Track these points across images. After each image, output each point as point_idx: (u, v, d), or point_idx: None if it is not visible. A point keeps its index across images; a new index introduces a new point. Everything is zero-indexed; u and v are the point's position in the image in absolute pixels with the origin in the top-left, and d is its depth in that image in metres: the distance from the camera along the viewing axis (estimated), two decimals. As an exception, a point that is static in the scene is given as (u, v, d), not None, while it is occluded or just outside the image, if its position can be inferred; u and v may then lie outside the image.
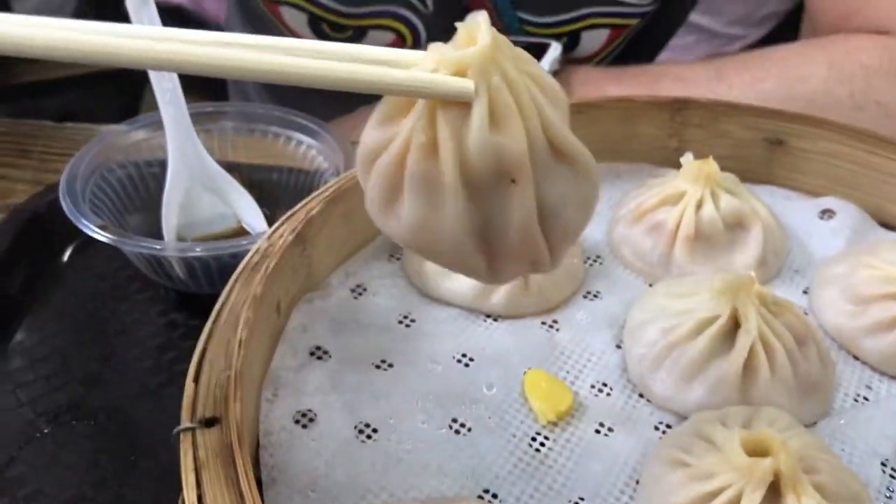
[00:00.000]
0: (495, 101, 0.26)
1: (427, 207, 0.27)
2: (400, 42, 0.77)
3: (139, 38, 0.25)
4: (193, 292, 0.54)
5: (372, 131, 0.28)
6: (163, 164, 0.58)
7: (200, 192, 0.57)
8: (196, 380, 0.35)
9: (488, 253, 0.28)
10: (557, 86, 0.28)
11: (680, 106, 0.52)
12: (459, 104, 0.26)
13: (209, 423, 0.33)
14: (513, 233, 0.28)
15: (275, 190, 0.60)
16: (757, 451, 0.33)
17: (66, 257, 0.59)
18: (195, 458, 0.31)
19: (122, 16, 1.42)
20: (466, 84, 0.26)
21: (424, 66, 0.26)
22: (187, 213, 0.57)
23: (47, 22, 0.25)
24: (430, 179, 0.27)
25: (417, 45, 0.77)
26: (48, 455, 0.46)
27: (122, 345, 0.52)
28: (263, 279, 0.38)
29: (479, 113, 0.26)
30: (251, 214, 0.57)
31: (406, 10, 0.75)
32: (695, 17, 0.94)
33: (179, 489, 0.43)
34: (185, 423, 0.33)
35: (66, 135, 0.72)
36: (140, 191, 0.58)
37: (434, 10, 0.75)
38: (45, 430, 0.47)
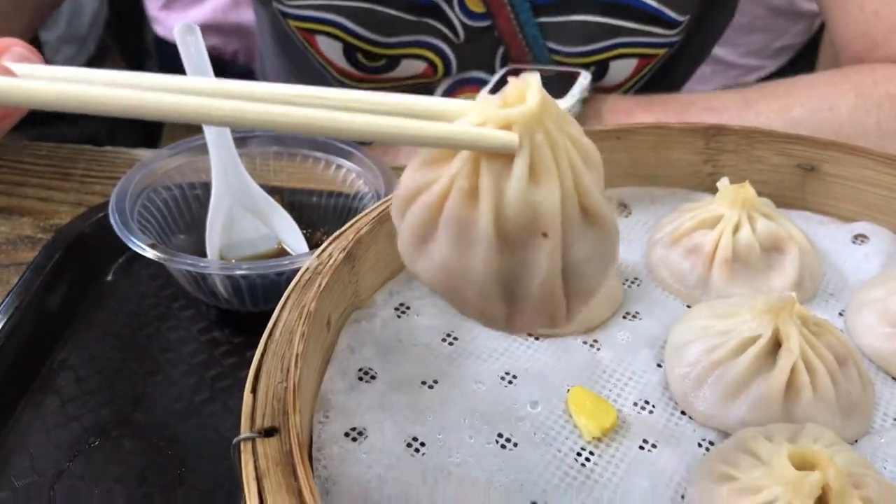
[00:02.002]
0: (536, 157, 0.27)
1: (458, 251, 0.28)
2: (431, 70, 0.79)
3: (186, 93, 0.26)
4: (235, 310, 0.55)
5: (414, 173, 0.30)
6: (206, 187, 0.59)
7: (243, 214, 0.59)
8: (254, 391, 0.36)
9: (510, 304, 0.30)
10: (594, 149, 0.29)
11: (714, 132, 0.53)
12: (503, 156, 0.27)
13: (268, 433, 0.34)
14: (536, 286, 0.29)
15: (314, 213, 0.62)
16: (804, 465, 0.34)
17: (109, 277, 0.60)
18: (256, 468, 0.32)
19: (143, 47, 1.44)
20: (512, 138, 0.27)
21: (472, 118, 0.28)
22: (230, 234, 0.58)
23: (93, 77, 0.27)
24: (466, 224, 0.28)
25: (448, 72, 0.79)
26: (97, 469, 0.47)
27: (166, 362, 0.53)
28: (317, 295, 0.39)
29: (520, 166, 0.27)
30: (292, 236, 0.59)
31: (438, 40, 0.76)
32: (712, 48, 0.96)
33: (230, 501, 0.44)
34: (245, 432, 0.34)
35: (107, 158, 0.74)
36: (184, 212, 0.59)
37: (465, 40, 0.77)
38: (94, 444, 0.48)
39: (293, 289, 0.41)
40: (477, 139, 0.27)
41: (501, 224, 0.28)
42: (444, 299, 0.31)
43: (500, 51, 0.78)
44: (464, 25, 0.76)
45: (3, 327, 0.52)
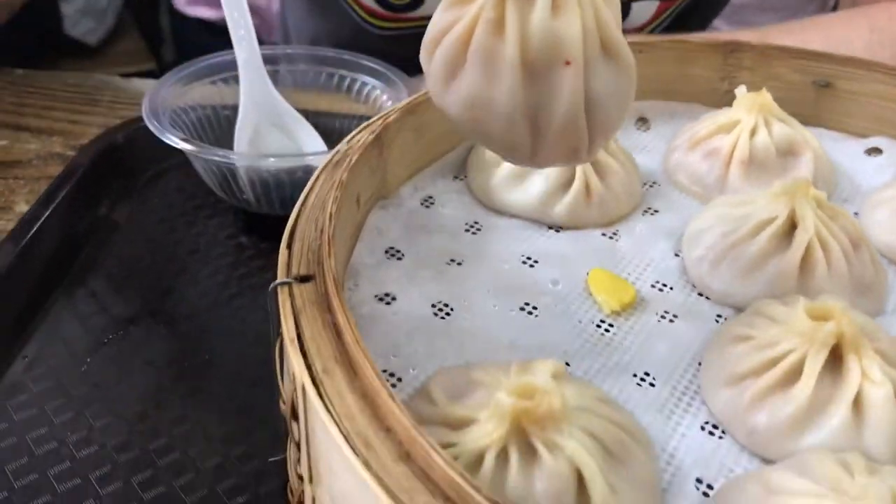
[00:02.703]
0: None
1: (485, 81, 0.30)
2: None
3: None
4: (263, 215, 0.56)
5: (442, 14, 0.31)
6: (235, 109, 0.61)
7: (269, 129, 0.60)
8: (289, 247, 0.37)
9: (534, 135, 0.31)
10: None
11: (732, 48, 0.55)
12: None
13: (304, 279, 0.35)
14: (560, 115, 0.30)
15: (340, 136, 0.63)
16: (819, 318, 0.35)
17: (137, 187, 0.61)
18: (293, 306, 0.34)
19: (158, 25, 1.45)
20: None
21: None
22: (256, 149, 0.59)
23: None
24: (493, 54, 0.29)
25: None
26: (126, 353, 0.48)
27: (195, 262, 0.55)
28: (348, 168, 0.41)
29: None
30: (318, 151, 0.60)
31: None
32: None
33: (256, 387, 0.46)
34: (282, 278, 0.35)
35: (133, 87, 0.76)
36: (215, 130, 0.61)
37: None
38: (124, 332, 0.49)
39: (324, 167, 0.43)
40: None
41: (526, 53, 0.29)
42: (470, 134, 0.32)
43: None
44: None
45: (37, 229, 0.53)
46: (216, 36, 1.40)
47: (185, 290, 0.53)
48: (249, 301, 0.52)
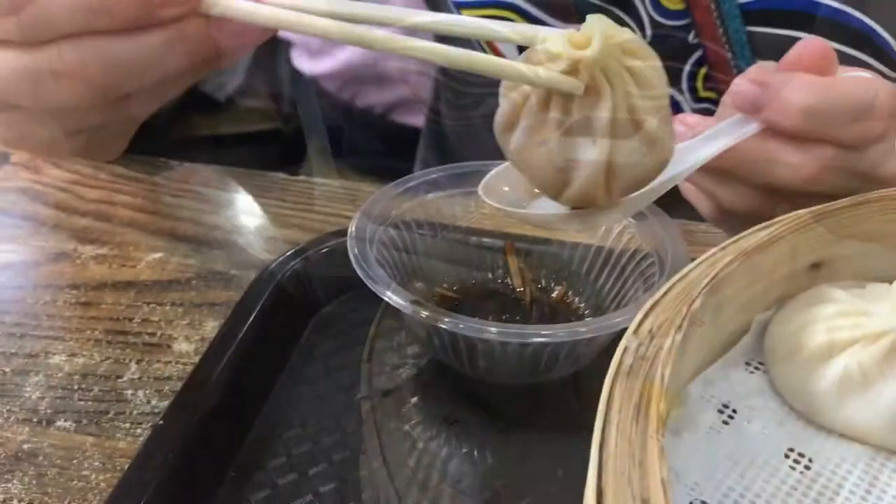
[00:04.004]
0: (594, 84, 0.35)
1: (529, 139, 0.37)
2: None
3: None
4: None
5: (506, 93, 0.38)
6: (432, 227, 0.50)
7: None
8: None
9: (563, 184, 0.38)
10: (652, 74, 0.36)
11: None
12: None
13: None
14: (582, 179, 0.37)
15: (551, 263, 0.52)
16: None
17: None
18: None
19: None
20: (577, 85, 0.35)
21: (551, 46, 0.35)
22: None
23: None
24: (539, 121, 0.37)
25: None
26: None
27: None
28: (662, 395, 0.29)
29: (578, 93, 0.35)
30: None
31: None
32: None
33: None
34: None
35: (299, 188, 0.66)
36: (414, 257, 0.50)
37: (651, 41, 0.66)
38: None
39: (615, 378, 0.31)
40: (550, 81, 0.35)
41: (563, 126, 0.36)
42: (520, 170, 0.39)
43: (693, 58, 0.67)
44: (653, 22, 0.66)
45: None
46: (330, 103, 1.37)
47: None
48: None
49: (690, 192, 0.53)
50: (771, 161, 0.46)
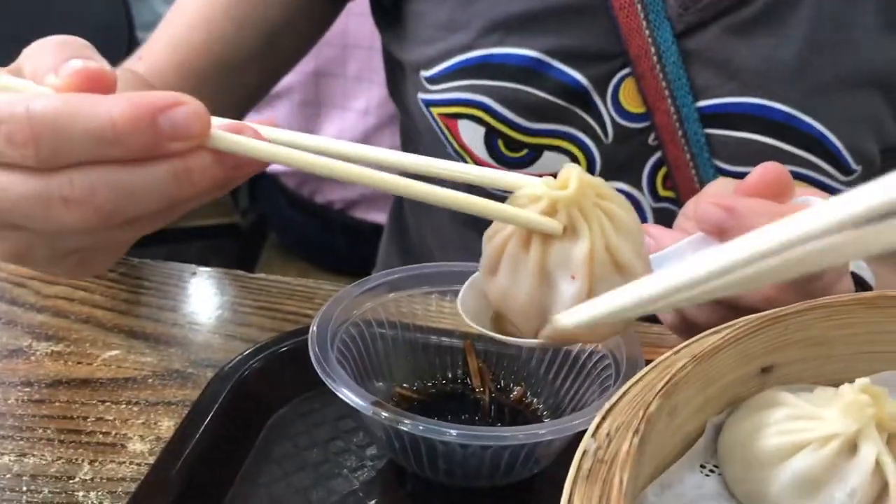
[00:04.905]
0: (571, 224, 0.38)
1: (512, 280, 0.39)
2: None
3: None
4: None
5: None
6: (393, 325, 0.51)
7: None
8: None
9: (542, 322, 0.39)
10: (625, 219, 0.39)
11: None
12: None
13: None
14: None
15: (511, 364, 0.53)
16: None
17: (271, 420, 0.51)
18: None
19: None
20: (556, 226, 0.38)
21: (531, 190, 0.38)
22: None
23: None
24: (519, 261, 0.39)
25: (591, 172, 0.70)
26: None
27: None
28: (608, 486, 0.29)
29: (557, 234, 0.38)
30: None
31: (584, 135, 0.69)
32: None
33: None
34: None
35: (257, 285, 0.66)
36: (375, 356, 0.50)
37: (613, 140, 0.69)
38: None
39: (574, 482, 0.32)
40: (530, 221, 0.38)
41: (543, 265, 0.38)
42: (503, 312, 0.41)
43: (653, 159, 0.70)
44: (615, 124, 0.69)
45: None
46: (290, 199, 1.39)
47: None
48: None
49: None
50: None
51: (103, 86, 0.36)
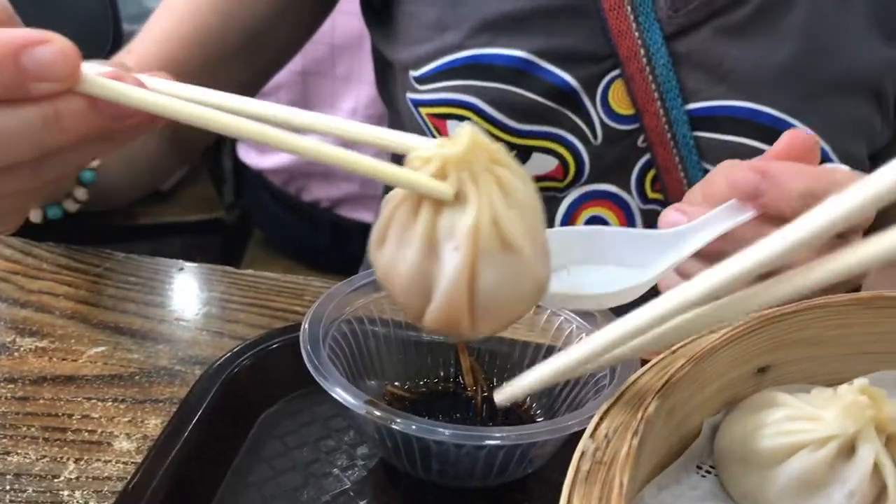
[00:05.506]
0: (462, 190, 0.34)
1: (398, 249, 0.36)
2: (562, 170, 0.70)
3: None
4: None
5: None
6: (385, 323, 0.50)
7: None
8: None
9: (424, 302, 0.36)
10: (520, 190, 0.35)
11: None
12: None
13: None
14: (443, 291, 0.35)
15: (503, 363, 0.52)
16: None
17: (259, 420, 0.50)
18: None
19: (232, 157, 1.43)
20: (447, 189, 0.34)
21: (422, 151, 0.35)
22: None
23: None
24: (407, 229, 0.35)
25: (579, 176, 0.70)
26: None
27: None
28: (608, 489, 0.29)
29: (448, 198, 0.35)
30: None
31: (573, 137, 0.68)
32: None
33: None
34: None
35: (246, 281, 0.66)
36: (367, 354, 0.50)
37: (602, 142, 0.69)
38: None
39: (573, 483, 0.31)
40: (418, 183, 0.34)
41: (431, 234, 0.35)
42: (387, 288, 0.37)
43: (642, 161, 0.70)
44: (603, 125, 0.68)
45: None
46: (275, 196, 1.38)
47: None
48: None
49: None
50: None
51: None
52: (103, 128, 0.36)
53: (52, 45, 0.33)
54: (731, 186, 0.46)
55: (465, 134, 0.34)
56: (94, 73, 0.34)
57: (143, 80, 0.36)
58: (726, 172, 0.49)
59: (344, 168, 0.34)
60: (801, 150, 0.48)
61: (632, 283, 0.46)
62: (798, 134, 0.48)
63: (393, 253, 0.36)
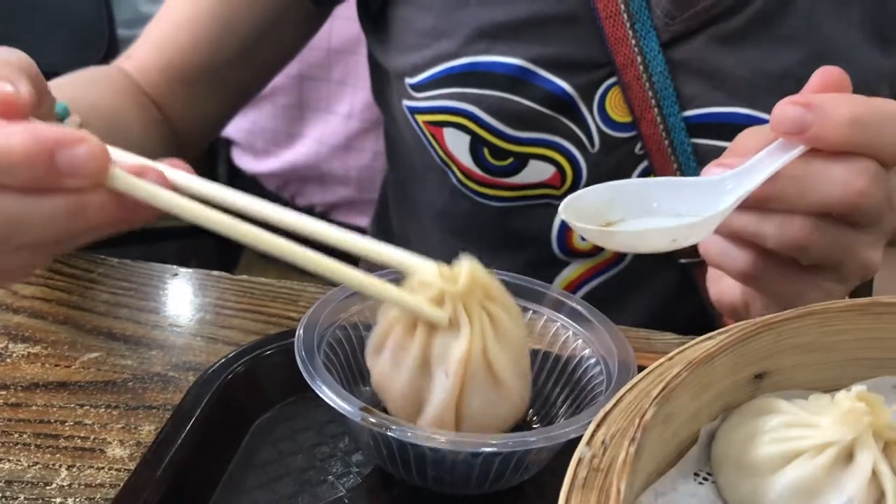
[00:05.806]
0: (455, 318, 0.39)
1: (393, 367, 0.41)
2: (559, 177, 0.70)
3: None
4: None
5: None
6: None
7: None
8: None
9: (417, 412, 0.42)
10: (513, 332, 0.41)
11: None
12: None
13: None
14: (433, 408, 0.40)
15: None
16: None
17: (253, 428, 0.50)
18: None
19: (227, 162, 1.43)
20: (442, 317, 0.39)
21: (422, 276, 0.40)
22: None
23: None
24: (403, 348, 0.41)
25: (577, 182, 0.70)
26: None
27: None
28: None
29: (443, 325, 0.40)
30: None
31: (570, 144, 0.68)
32: None
33: None
34: None
35: (242, 287, 0.65)
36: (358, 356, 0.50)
37: (599, 150, 0.69)
38: None
39: (570, 490, 0.31)
40: (418, 309, 0.40)
41: (426, 355, 0.40)
42: (382, 396, 0.43)
43: (639, 169, 0.70)
44: (601, 133, 0.68)
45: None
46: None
47: None
48: None
49: (715, 250, 0.50)
50: (820, 179, 0.44)
51: (13, 111, 0.36)
52: (124, 218, 0.38)
53: (85, 147, 0.35)
54: (774, 125, 0.44)
55: (465, 270, 0.39)
56: (121, 165, 0.37)
57: (164, 173, 0.39)
58: (755, 129, 0.48)
59: (355, 289, 0.41)
60: (837, 85, 0.46)
61: (702, 217, 0.44)
62: (830, 70, 0.46)
63: (389, 369, 0.41)
